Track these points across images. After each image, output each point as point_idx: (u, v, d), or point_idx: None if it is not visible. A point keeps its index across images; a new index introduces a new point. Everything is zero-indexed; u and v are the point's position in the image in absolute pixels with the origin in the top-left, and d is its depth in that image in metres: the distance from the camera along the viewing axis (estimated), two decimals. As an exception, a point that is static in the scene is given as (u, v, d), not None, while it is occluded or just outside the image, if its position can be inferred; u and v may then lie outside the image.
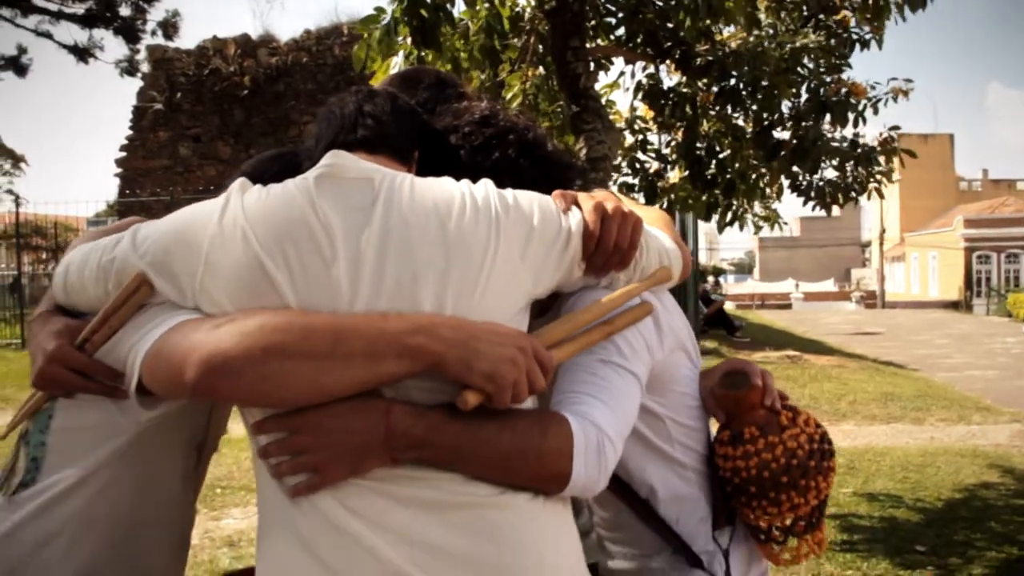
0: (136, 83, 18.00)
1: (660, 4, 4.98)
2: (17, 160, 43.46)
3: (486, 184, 1.31)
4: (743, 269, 78.75)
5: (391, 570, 1.13)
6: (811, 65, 5.67)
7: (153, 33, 26.78)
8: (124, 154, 17.30)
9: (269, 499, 1.22)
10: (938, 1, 5.09)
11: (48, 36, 26.02)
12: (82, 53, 26.31)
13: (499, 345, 1.15)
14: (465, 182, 1.30)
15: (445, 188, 1.27)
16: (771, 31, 5.52)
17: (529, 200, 1.31)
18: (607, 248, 1.37)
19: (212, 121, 16.64)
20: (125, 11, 25.86)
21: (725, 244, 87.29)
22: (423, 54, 4.32)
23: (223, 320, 1.14)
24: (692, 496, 1.62)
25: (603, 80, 5.94)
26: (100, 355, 1.33)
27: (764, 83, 4.99)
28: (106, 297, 1.31)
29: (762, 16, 5.56)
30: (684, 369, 1.63)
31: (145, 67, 18.63)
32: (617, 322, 1.43)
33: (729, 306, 32.31)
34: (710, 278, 16.74)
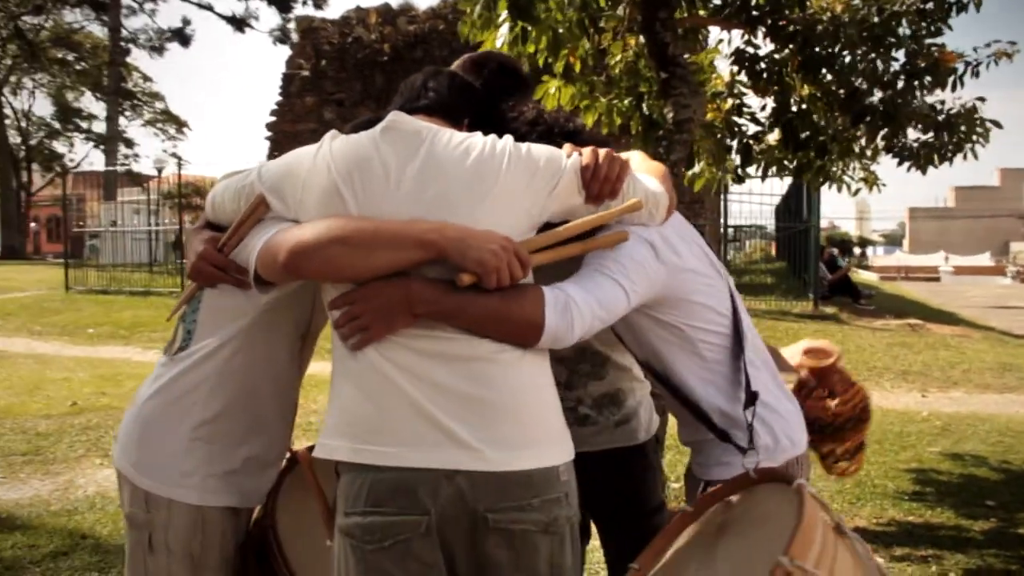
0: (286, 52, 19.05)
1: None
2: (181, 125, 46.18)
3: (507, 138, 1.78)
4: (894, 241, 75.59)
5: (409, 400, 1.63)
6: (909, 30, 5.84)
7: (304, 3, 28.16)
8: (274, 119, 18.44)
9: (338, 359, 1.75)
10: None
11: (210, 8, 27.81)
12: (239, 23, 27.99)
13: (487, 242, 1.62)
14: (492, 136, 1.78)
15: (473, 139, 1.75)
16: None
17: (540, 150, 1.78)
18: (599, 178, 1.83)
19: (355, 87, 17.53)
20: (279, -18, 27.29)
21: (877, 215, 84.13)
22: (524, 27, 4.77)
23: (307, 224, 1.69)
24: (716, 383, 2.04)
25: (710, 45, 6.26)
26: (233, 255, 1.88)
27: (844, 52, 5.19)
28: (239, 213, 1.87)
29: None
30: (696, 285, 2.04)
31: (294, 37, 19.75)
32: (592, 243, 1.88)
33: (873, 277, 31.49)
34: (834, 249, 16.42)
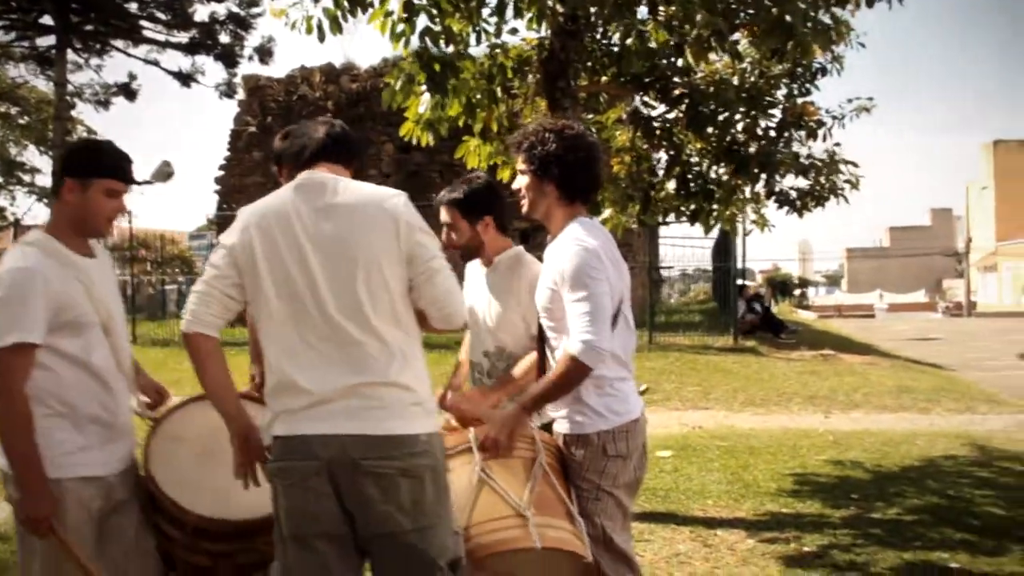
0: (232, 105, 19.80)
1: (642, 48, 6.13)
2: (127, 178, 46.34)
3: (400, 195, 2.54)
4: (835, 281, 77.74)
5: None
6: (784, 91, 6.85)
7: (250, 58, 28.87)
8: (222, 172, 19.15)
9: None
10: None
11: (156, 64, 28.37)
12: (185, 78, 28.57)
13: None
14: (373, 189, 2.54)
15: (363, 188, 2.51)
16: (741, 63, 6.56)
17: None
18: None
19: (300, 141, 18.34)
20: (224, 39, 28.01)
21: (819, 255, 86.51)
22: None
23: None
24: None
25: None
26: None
27: (722, 110, 6.14)
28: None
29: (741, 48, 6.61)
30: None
31: (241, 91, 20.52)
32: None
33: (811, 316, 32.75)
34: (760, 288, 17.55)
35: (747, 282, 18.10)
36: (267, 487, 2.55)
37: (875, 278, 58.15)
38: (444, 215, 3.31)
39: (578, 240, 2.87)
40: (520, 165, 3.04)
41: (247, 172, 18.34)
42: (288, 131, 3.46)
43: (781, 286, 45.70)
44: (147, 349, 15.24)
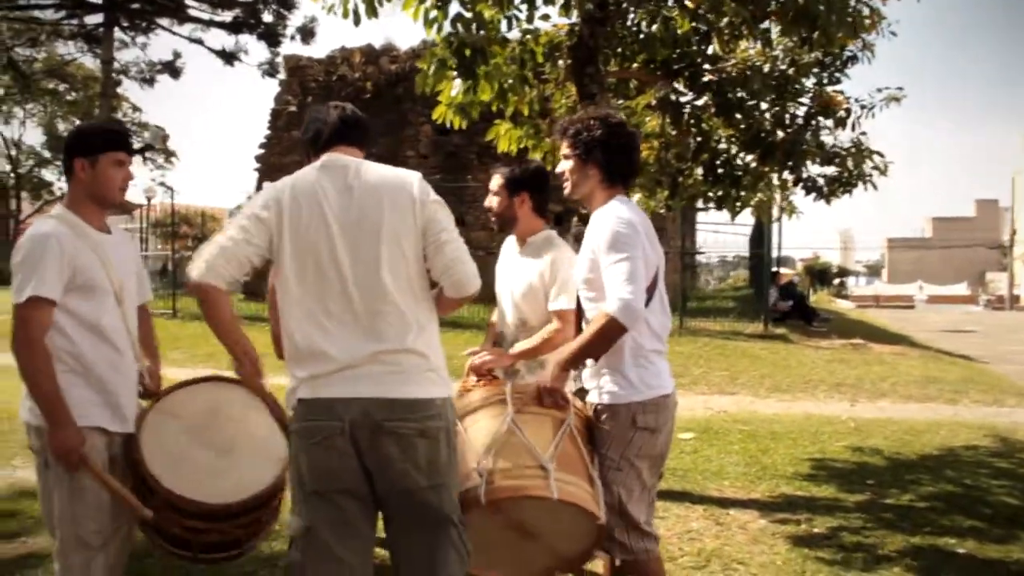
0: (274, 85, 20.07)
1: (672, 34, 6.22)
2: (169, 155, 47.16)
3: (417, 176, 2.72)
4: (876, 271, 76.87)
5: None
6: (813, 80, 6.91)
7: (292, 38, 29.20)
8: (263, 151, 19.46)
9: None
10: None
11: (199, 42, 28.77)
12: (229, 57, 28.94)
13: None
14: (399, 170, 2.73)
15: (382, 170, 2.69)
16: (772, 51, 6.62)
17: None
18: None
19: (340, 121, 18.59)
20: (267, 18, 28.32)
21: (860, 245, 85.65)
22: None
23: None
24: None
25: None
26: None
27: (749, 98, 6.22)
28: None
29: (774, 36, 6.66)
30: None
31: (282, 70, 20.80)
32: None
33: (848, 306, 32.51)
34: (783, 270, 17.51)
35: (784, 270, 18.09)
36: (243, 477, 2.89)
37: (916, 269, 57.46)
38: (494, 182, 3.72)
39: (616, 212, 3.09)
40: (565, 150, 3.27)
41: (286, 151, 18.61)
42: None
43: (820, 275, 45.33)
44: (187, 323, 15.63)
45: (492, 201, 3.71)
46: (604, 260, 3.00)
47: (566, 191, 3.29)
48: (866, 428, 8.09)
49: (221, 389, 3.29)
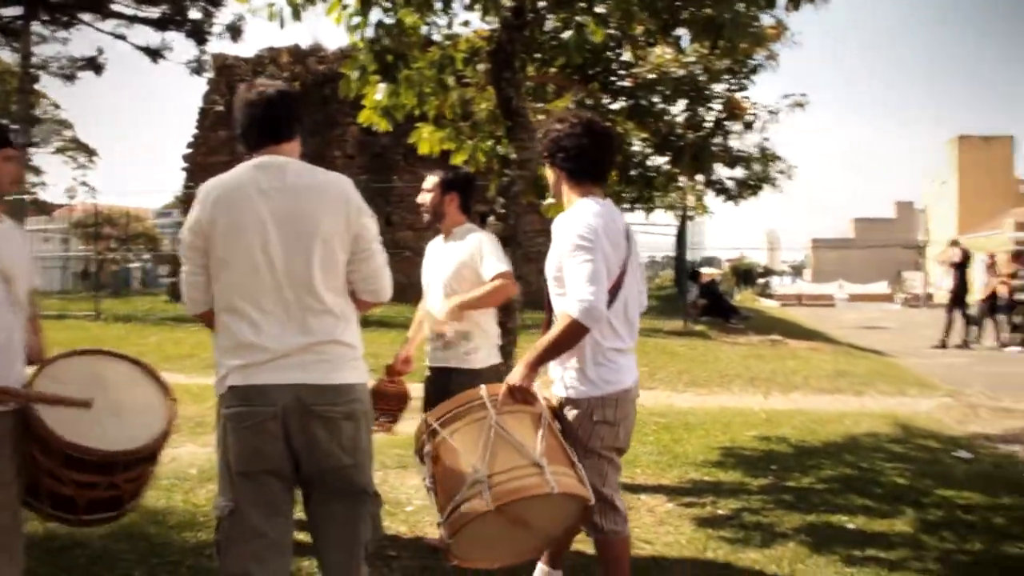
0: (200, 83, 19.92)
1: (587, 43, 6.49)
2: (91, 154, 46.14)
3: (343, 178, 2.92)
4: (800, 271, 78.66)
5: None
6: (722, 86, 7.28)
7: (220, 36, 28.90)
8: (190, 150, 19.33)
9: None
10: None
11: (123, 38, 28.31)
12: (154, 54, 28.54)
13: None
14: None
15: (317, 171, 2.86)
16: (686, 57, 6.97)
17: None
18: None
19: (267, 121, 18.57)
20: (195, 15, 28.03)
21: (786, 245, 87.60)
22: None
23: None
24: None
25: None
26: None
27: (661, 103, 6.55)
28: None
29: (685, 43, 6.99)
30: None
31: (210, 69, 20.69)
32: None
33: (772, 304, 33.38)
34: (706, 270, 18.04)
35: (707, 269, 18.60)
36: (134, 431, 3.07)
37: (839, 268, 58.99)
38: (429, 181, 4.47)
39: (579, 214, 3.27)
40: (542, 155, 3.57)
41: (213, 151, 18.54)
42: None
43: (745, 274, 46.48)
44: (110, 325, 15.49)
45: (425, 197, 4.42)
46: (567, 261, 3.20)
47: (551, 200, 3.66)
48: (776, 419, 8.50)
49: (103, 360, 3.42)
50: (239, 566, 2.74)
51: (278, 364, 2.71)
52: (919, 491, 5.78)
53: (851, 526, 5.05)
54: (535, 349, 3.26)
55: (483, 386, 3.26)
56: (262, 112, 2.88)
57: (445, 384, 4.23)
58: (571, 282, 3.16)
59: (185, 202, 19.99)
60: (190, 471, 5.90)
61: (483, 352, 4.32)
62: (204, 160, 18.43)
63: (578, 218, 3.25)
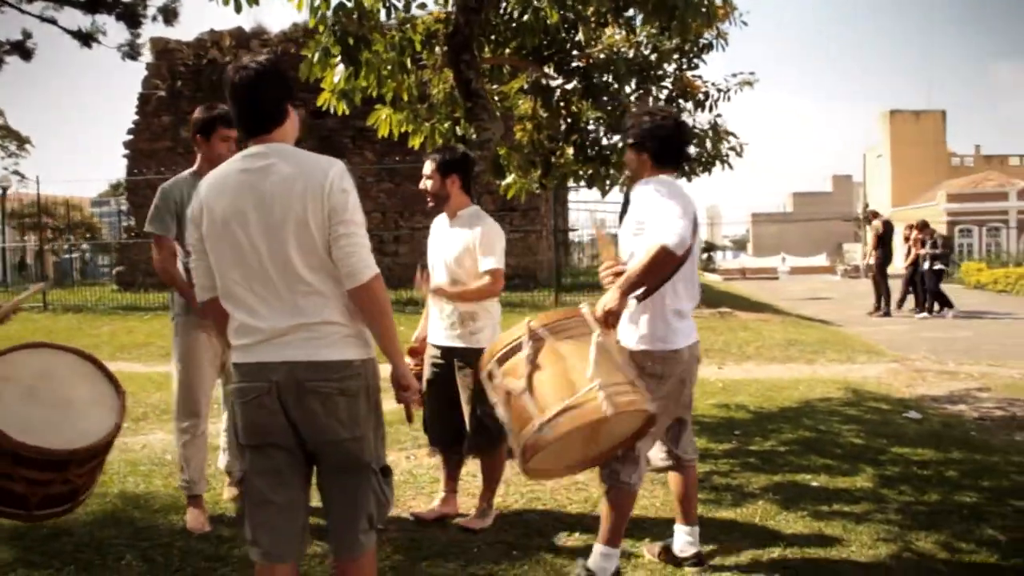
0: (137, 67, 19.62)
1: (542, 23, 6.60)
2: (22, 141, 44.98)
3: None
4: (742, 245, 79.95)
5: None
6: (673, 65, 7.44)
7: (154, 19, 28.31)
8: (131, 137, 19.01)
9: None
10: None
11: (52, 22, 27.55)
12: (85, 38, 27.80)
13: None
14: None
15: (302, 156, 2.91)
16: (636, 38, 7.11)
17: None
18: None
19: (210, 106, 18.36)
20: (126, -3, 27.41)
21: (727, 220, 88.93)
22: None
23: None
24: None
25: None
26: None
27: (614, 82, 6.69)
28: None
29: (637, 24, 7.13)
30: None
31: (146, 52, 20.32)
32: None
33: (716, 279, 33.93)
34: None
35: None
36: (87, 426, 3.16)
37: (779, 242, 60.16)
38: (426, 167, 4.47)
39: (661, 179, 3.69)
40: (628, 142, 3.86)
41: (157, 137, 18.27)
42: (211, 104, 4.15)
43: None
44: (60, 316, 15.26)
45: (427, 184, 4.44)
46: (653, 206, 3.50)
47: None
48: (733, 388, 8.75)
49: (48, 354, 3.44)
50: (251, 533, 2.88)
51: (272, 343, 2.80)
52: (875, 450, 6.04)
53: (815, 484, 5.27)
54: (626, 276, 3.40)
55: (584, 304, 3.41)
56: (247, 103, 2.88)
57: (449, 363, 4.40)
58: (659, 217, 3.42)
59: (129, 189, 19.71)
60: (165, 457, 5.92)
61: (487, 332, 4.41)
62: (147, 146, 18.18)
63: (665, 179, 3.67)
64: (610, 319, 3.35)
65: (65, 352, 3.45)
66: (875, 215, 18.25)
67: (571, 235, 21.11)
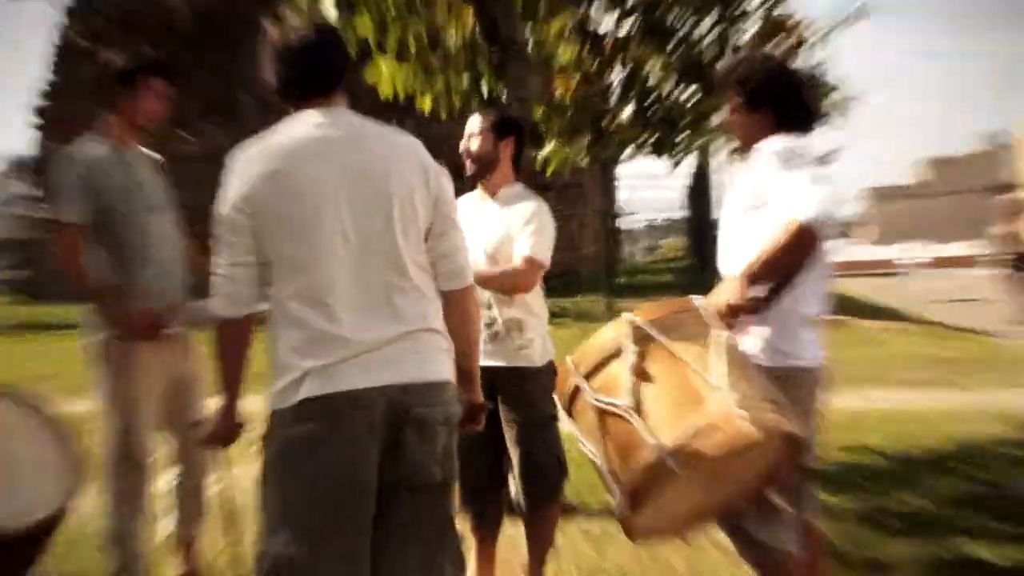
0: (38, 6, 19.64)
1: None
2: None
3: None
4: (853, 230, 78.92)
5: None
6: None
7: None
8: (45, 100, 19.24)
9: None
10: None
11: None
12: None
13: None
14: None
15: (383, 127, 2.93)
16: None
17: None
18: None
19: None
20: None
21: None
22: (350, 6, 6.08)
23: None
24: None
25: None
26: None
27: (683, 21, 6.72)
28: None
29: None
30: None
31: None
32: None
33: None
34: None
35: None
36: (34, 487, 3.25)
37: (913, 224, 59.26)
38: (476, 123, 4.44)
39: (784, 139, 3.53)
40: (734, 99, 3.75)
41: (76, 96, 18.39)
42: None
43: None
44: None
45: (473, 143, 4.40)
46: (779, 175, 3.37)
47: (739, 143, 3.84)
48: (855, 421, 8.60)
49: None
50: None
51: (364, 361, 2.73)
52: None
53: (982, 555, 5.11)
54: (751, 264, 3.33)
55: (694, 297, 3.35)
56: (312, 59, 2.94)
57: (490, 388, 3.85)
58: (791, 186, 3.29)
59: (37, 168, 19.76)
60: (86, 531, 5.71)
61: (537, 345, 4.35)
62: (68, 109, 18.30)
63: (793, 141, 3.50)
64: (737, 313, 3.29)
65: (4, 400, 3.48)
66: None
67: (624, 220, 21.00)
